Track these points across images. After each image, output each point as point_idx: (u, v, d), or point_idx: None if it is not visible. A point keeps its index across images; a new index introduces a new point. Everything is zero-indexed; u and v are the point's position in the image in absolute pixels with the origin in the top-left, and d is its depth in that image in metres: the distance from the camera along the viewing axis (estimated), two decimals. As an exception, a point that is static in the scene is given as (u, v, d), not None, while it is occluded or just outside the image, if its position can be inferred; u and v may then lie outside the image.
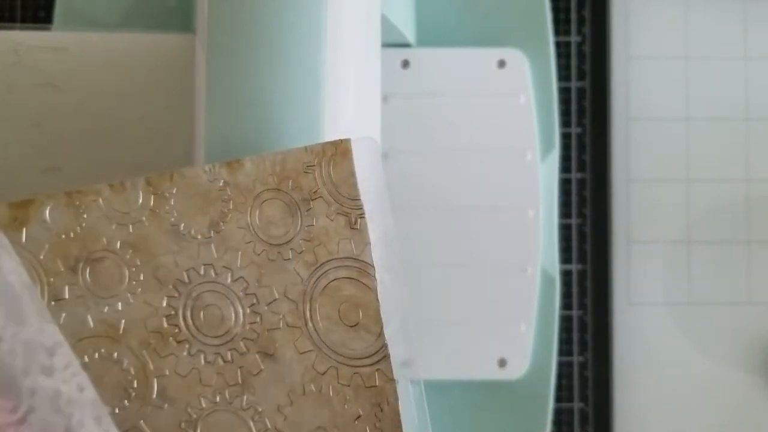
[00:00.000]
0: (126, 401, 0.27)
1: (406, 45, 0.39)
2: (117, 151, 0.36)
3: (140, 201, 0.28)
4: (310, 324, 0.28)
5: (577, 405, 0.44)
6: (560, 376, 0.43)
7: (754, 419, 0.44)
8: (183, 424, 0.27)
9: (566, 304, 0.43)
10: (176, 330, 0.28)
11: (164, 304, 0.28)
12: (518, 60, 0.39)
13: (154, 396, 0.27)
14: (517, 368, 0.39)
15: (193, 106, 0.33)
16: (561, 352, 0.43)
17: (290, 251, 0.28)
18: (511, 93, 0.39)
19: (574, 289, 0.44)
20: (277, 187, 0.28)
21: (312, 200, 0.28)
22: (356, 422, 0.28)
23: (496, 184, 0.39)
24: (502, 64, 0.39)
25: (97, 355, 0.27)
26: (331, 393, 0.28)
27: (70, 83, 0.36)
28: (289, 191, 0.28)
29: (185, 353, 0.28)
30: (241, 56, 0.29)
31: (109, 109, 0.36)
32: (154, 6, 0.39)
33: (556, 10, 0.43)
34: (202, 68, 0.31)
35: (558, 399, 0.43)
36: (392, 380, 0.28)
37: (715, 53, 0.45)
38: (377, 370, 0.28)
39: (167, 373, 0.28)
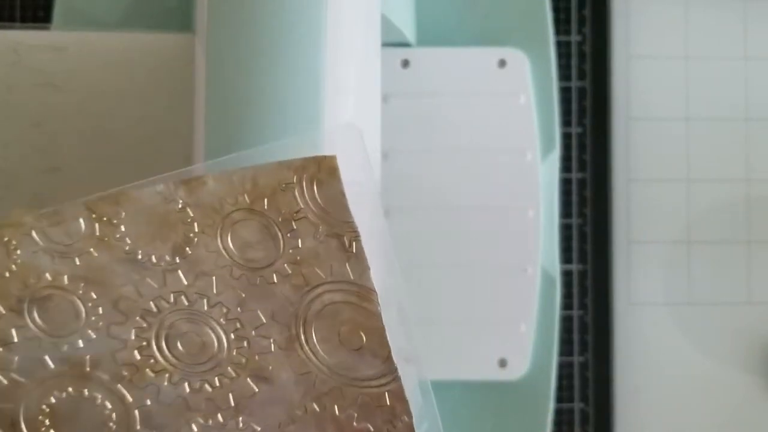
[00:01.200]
0: None
1: (406, 44, 0.39)
2: (117, 151, 0.36)
3: (82, 230, 0.26)
4: (306, 347, 0.26)
5: (577, 405, 0.44)
6: (561, 376, 0.43)
7: (754, 419, 0.44)
8: None
9: (566, 304, 0.43)
10: (152, 361, 0.26)
11: (133, 337, 0.26)
12: (518, 60, 0.39)
13: (138, 427, 0.26)
14: (518, 368, 0.39)
15: (192, 105, 0.33)
16: (561, 352, 0.43)
17: (274, 275, 0.26)
18: (512, 93, 0.39)
19: (575, 289, 0.44)
20: (250, 207, 0.26)
21: (295, 221, 0.26)
22: None
23: (497, 184, 0.39)
24: (502, 63, 0.39)
25: (65, 395, 0.26)
26: (336, 411, 0.27)
27: (69, 83, 0.36)
28: (265, 211, 0.26)
29: (166, 383, 0.26)
30: (241, 56, 0.29)
31: (109, 109, 0.36)
32: (153, 6, 0.39)
33: (556, 9, 0.43)
34: (202, 68, 0.31)
35: (558, 399, 0.43)
36: (405, 400, 0.27)
37: (716, 53, 0.45)
38: (387, 391, 0.27)
39: (149, 403, 0.26)
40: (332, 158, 0.27)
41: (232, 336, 0.26)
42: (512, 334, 0.39)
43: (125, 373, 0.26)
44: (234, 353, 0.26)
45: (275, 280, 0.26)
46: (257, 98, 0.29)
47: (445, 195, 0.39)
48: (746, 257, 0.44)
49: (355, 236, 0.26)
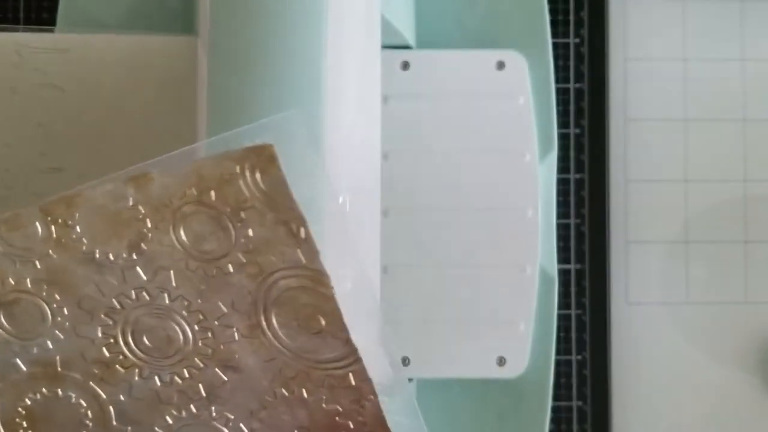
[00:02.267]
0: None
1: (406, 47, 0.40)
2: (119, 152, 0.37)
3: (40, 233, 0.26)
4: (268, 333, 0.27)
5: (575, 403, 0.44)
6: (559, 375, 0.43)
7: (751, 418, 0.44)
8: None
9: (565, 304, 0.44)
10: (121, 357, 0.26)
11: (100, 335, 0.26)
12: (517, 62, 0.39)
13: (114, 422, 0.26)
14: (516, 367, 0.39)
15: (194, 107, 0.33)
16: (559, 351, 0.43)
17: (230, 265, 0.26)
18: (510, 94, 0.39)
19: (573, 289, 0.44)
20: (198, 199, 0.26)
21: (243, 210, 0.26)
22: (338, 418, 0.27)
23: (495, 184, 0.39)
24: (501, 65, 0.39)
25: (39, 396, 0.26)
26: (305, 394, 0.27)
27: (72, 84, 0.37)
28: (214, 203, 0.26)
29: (137, 378, 0.26)
30: (243, 58, 0.30)
31: (112, 110, 0.37)
32: (156, 8, 0.39)
33: (554, 12, 0.43)
34: (204, 70, 0.31)
35: (556, 397, 0.43)
36: (368, 380, 0.27)
37: (713, 55, 0.45)
38: (351, 372, 0.27)
39: (122, 398, 0.26)
40: (269, 147, 0.26)
41: (196, 327, 0.26)
42: (511, 333, 0.39)
43: (96, 371, 0.26)
44: (200, 344, 0.26)
45: (231, 270, 0.26)
46: (258, 100, 0.29)
47: (444, 195, 0.39)
48: (744, 257, 0.44)
49: (302, 222, 0.26)
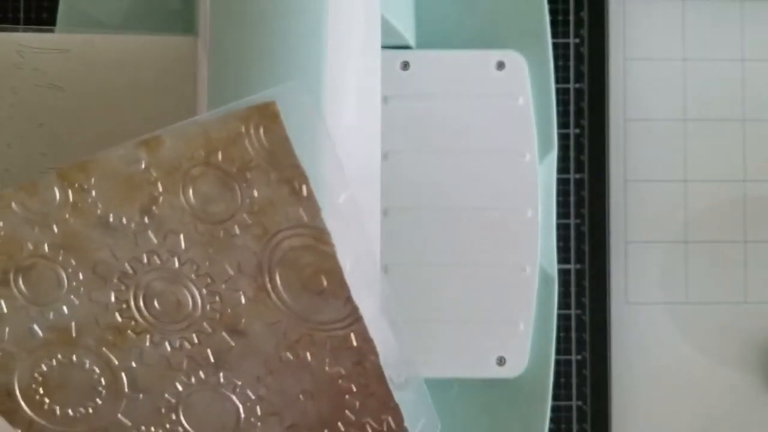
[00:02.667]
0: (98, 399, 0.27)
1: (406, 47, 0.40)
2: (120, 151, 0.37)
3: (57, 198, 0.26)
4: (273, 295, 0.27)
5: (575, 403, 0.44)
6: (558, 375, 0.43)
7: (750, 418, 0.44)
8: (163, 410, 0.27)
9: (564, 304, 0.44)
10: (132, 323, 0.27)
11: (113, 299, 0.26)
12: (517, 62, 0.39)
13: (126, 389, 0.27)
14: (516, 366, 0.39)
15: (195, 107, 0.33)
16: (559, 351, 0.43)
17: (236, 226, 0.26)
18: (510, 94, 0.39)
19: (572, 289, 0.44)
20: (206, 161, 0.26)
21: (248, 170, 0.26)
22: (340, 381, 0.27)
23: (495, 184, 0.39)
24: (501, 65, 0.39)
25: (54, 362, 0.26)
26: (309, 358, 0.27)
27: (73, 84, 0.37)
28: (221, 164, 0.26)
29: (148, 343, 0.27)
30: (243, 58, 0.30)
31: (112, 111, 0.37)
32: (156, 8, 0.39)
33: (554, 12, 0.43)
34: (204, 70, 0.31)
35: (556, 397, 0.43)
36: (369, 340, 0.27)
37: (713, 55, 0.45)
38: (352, 332, 0.27)
39: (134, 365, 0.27)
40: (272, 104, 0.26)
41: (204, 291, 0.27)
42: (511, 333, 0.39)
43: (109, 337, 0.26)
44: (208, 309, 0.27)
45: (237, 232, 0.26)
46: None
47: (444, 195, 0.39)
48: (743, 257, 0.44)
49: (304, 179, 0.26)
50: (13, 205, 0.26)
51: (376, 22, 0.33)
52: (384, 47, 0.34)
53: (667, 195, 0.45)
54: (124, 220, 0.26)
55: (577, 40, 0.45)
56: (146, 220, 0.26)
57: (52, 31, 0.38)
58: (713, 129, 0.45)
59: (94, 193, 0.26)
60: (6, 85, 0.37)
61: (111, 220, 0.26)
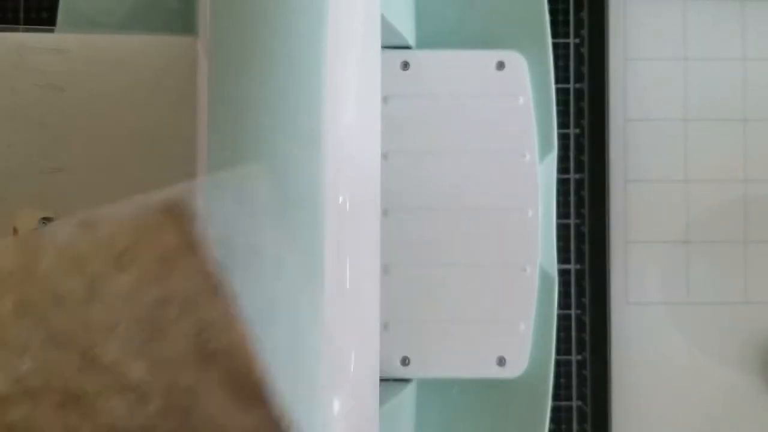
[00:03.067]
0: None
1: (406, 46, 0.40)
2: (120, 151, 0.37)
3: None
4: (203, 386, 0.26)
5: (575, 403, 0.44)
6: (559, 375, 0.43)
7: (750, 417, 0.44)
8: None
9: (565, 304, 0.44)
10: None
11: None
12: (517, 62, 0.39)
13: None
14: (516, 367, 0.39)
15: (194, 107, 0.33)
16: (559, 351, 0.43)
17: (161, 319, 0.26)
18: (510, 94, 0.39)
19: (573, 289, 0.44)
20: (133, 247, 0.26)
21: (169, 265, 0.26)
22: None
23: (496, 184, 0.39)
24: (501, 65, 0.39)
25: None
26: None
27: (72, 84, 0.37)
28: (145, 254, 0.26)
29: None
30: (243, 58, 0.30)
31: (112, 110, 0.37)
32: (156, 8, 0.39)
33: (554, 12, 0.43)
34: (204, 70, 0.31)
35: (556, 397, 0.43)
36: None
37: (713, 54, 0.45)
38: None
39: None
40: (189, 201, 0.26)
41: (136, 394, 0.26)
42: (511, 333, 0.39)
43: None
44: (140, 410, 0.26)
45: (163, 324, 0.26)
46: (258, 99, 0.29)
47: (444, 195, 0.39)
48: (743, 257, 0.44)
49: (221, 277, 0.26)
50: None
51: (376, 22, 0.33)
52: (384, 47, 0.34)
53: (667, 195, 0.45)
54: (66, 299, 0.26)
55: (577, 40, 0.45)
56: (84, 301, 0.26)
57: (52, 31, 0.38)
58: (713, 129, 0.45)
59: (40, 264, 0.26)
60: (5, 85, 0.37)
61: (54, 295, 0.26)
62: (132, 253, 0.26)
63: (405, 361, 0.39)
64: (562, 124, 0.44)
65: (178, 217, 0.26)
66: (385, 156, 0.38)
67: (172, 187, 0.26)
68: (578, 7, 0.45)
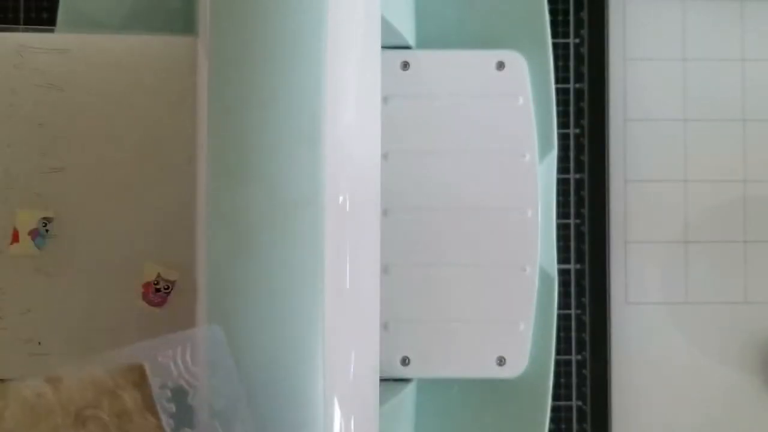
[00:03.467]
0: None
1: (406, 46, 0.40)
2: (120, 151, 0.37)
3: None
4: None
5: (575, 403, 0.44)
6: (558, 375, 0.43)
7: (749, 416, 0.44)
8: None
9: (564, 303, 0.44)
10: None
11: None
12: (517, 62, 0.39)
13: None
14: (516, 366, 0.39)
15: (194, 106, 0.33)
16: (559, 351, 0.43)
17: None
18: (510, 94, 0.39)
19: (573, 289, 0.44)
20: (93, 405, 0.28)
21: (125, 421, 0.28)
22: None
23: (495, 184, 0.39)
24: (501, 65, 0.39)
25: None
26: None
27: (72, 84, 0.37)
28: (105, 412, 0.28)
29: None
30: (243, 58, 0.30)
31: (112, 110, 0.37)
32: (156, 8, 0.39)
33: (554, 12, 0.43)
34: (204, 69, 0.31)
35: (556, 397, 0.43)
36: None
37: (712, 55, 0.45)
38: None
39: None
40: (140, 366, 0.28)
41: None
42: (511, 333, 0.39)
43: None
44: None
45: None
46: (258, 99, 0.29)
47: (444, 195, 0.39)
48: (743, 257, 0.44)
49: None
50: None
51: (376, 22, 0.33)
52: (384, 47, 0.34)
53: (667, 195, 0.45)
54: None
55: (577, 40, 0.45)
56: None
57: (52, 31, 0.38)
58: (713, 129, 0.45)
59: (7, 414, 0.28)
60: (5, 85, 0.37)
61: None
62: (92, 411, 0.28)
63: (405, 361, 0.39)
64: (562, 124, 0.44)
65: (137, 380, 0.28)
66: (385, 156, 0.38)
67: (133, 346, 0.29)
68: (578, 7, 0.45)
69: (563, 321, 0.44)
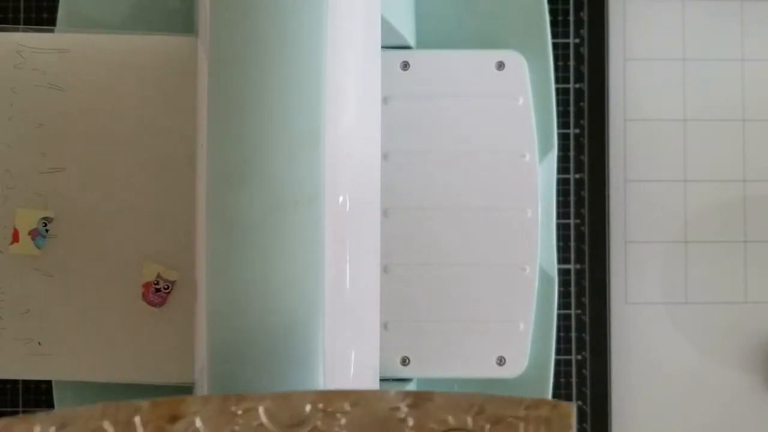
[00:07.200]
0: None
1: (406, 46, 0.40)
2: (120, 151, 0.37)
3: (306, 414, 0.26)
4: None
5: (575, 403, 0.44)
6: (558, 374, 0.43)
7: (749, 416, 0.44)
8: None
9: (564, 303, 0.44)
10: None
11: None
12: (517, 62, 0.39)
13: None
14: (516, 366, 0.39)
15: (194, 106, 0.33)
16: (559, 351, 0.43)
17: None
18: (510, 94, 0.39)
19: (572, 289, 0.44)
20: (471, 429, 0.25)
21: None
22: None
23: (495, 184, 0.39)
24: (501, 65, 0.39)
25: None
26: None
27: (73, 84, 0.37)
28: None
29: None
30: (242, 58, 0.30)
31: (112, 110, 0.37)
32: (156, 8, 0.39)
33: (554, 12, 0.43)
34: (204, 69, 0.31)
35: (556, 397, 0.43)
36: None
37: (712, 55, 0.45)
38: None
39: None
40: (568, 405, 0.26)
41: None
42: (510, 333, 0.39)
43: None
44: None
45: None
46: (258, 99, 0.29)
47: (444, 195, 0.39)
48: (742, 257, 0.44)
49: None
50: (260, 409, 0.26)
51: (376, 22, 0.33)
52: (384, 47, 0.34)
53: (667, 195, 0.45)
54: None
55: (577, 40, 0.45)
56: None
57: (52, 31, 0.38)
58: (713, 129, 0.45)
59: (343, 421, 0.26)
60: (5, 85, 0.37)
61: None
62: None
63: (405, 361, 0.39)
64: (562, 124, 0.44)
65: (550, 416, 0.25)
66: (385, 156, 0.38)
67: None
68: (578, 7, 0.45)
69: (563, 321, 0.44)
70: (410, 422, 0.26)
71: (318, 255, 0.29)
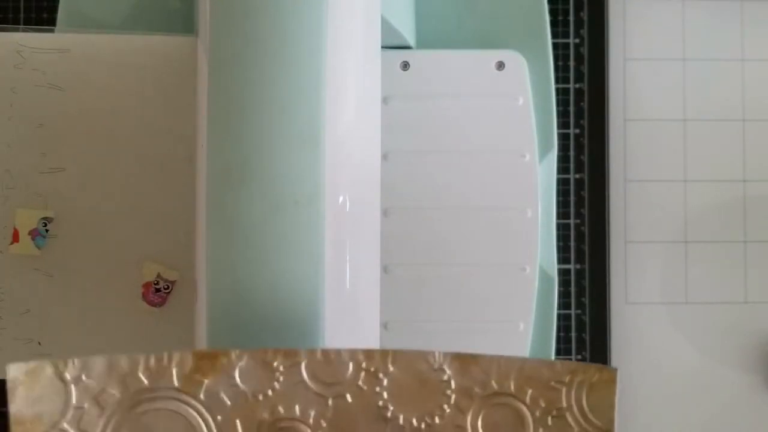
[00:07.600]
0: None
1: (406, 46, 0.40)
2: (120, 151, 0.37)
3: (348, 373, 0.25)
4: None
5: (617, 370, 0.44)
6: (558, 375, 0.43)
7: (749, 416, 0.44)
8: None
9: (564, 303, 0.44)
10: None
11: None
12: (517, 62, 0.39)
13: None
14: (516, 367, 0.39)
15: (194, 106, 0.33)
16: (559, 351, 0.43)
17: None
18: (510, 94, 0.39)
19: (572, 289, 0.44)
20: (514, 393, 0.25)
21: (552, 417, 0.25)
22: None
23: (495, 184, 0.39)
24: (501, 66, 0.39)
25: None
26: None
27: (73, 84, 0.37)
28: (527, 402, 0.25)
29: None
30: (242, 58, 0.30)
31: (112, 110, 0.37)
32: (156, 8, 0.39)
33: (554, 12, 0.43)
34: (204, 69, 0.31)
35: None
36: None
37: (712, 55, 0.45)
38: None
39: None
40: (613, 370, 0.26)
41: None
42: (510, 333, 0.39)
43: None
44: None
45: None
46: (258, 99, 0.29)
47: (444, 195, 0.39)
48: (742, 257, 0.44)
49: None
50: (303, 364, 0.25)
51: (376, 22, 0.33)
52: (384, 47, 0.34)
53: (667, 195, 0.45)
54: (401, 419, 0.26)
55: (577, 40, 0.45)
56: (422, 426, 0.26)
57: (52, 31, 0.38)
58: (713, 129, 0.45)
59: (386, 382, 0.26)
60: (5, 85, 0.37)
61: (389, 414, 0.25)
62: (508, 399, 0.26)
63: (405, 361, 0.39)
64: (562, 124, 0.44)
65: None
66: (385, 156, 0.38)
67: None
68: (578, 7, 0.45)
69: (563, 321, 0.44)
70: (453, 385, 0.25)
71: (318, 255, 0.29)
